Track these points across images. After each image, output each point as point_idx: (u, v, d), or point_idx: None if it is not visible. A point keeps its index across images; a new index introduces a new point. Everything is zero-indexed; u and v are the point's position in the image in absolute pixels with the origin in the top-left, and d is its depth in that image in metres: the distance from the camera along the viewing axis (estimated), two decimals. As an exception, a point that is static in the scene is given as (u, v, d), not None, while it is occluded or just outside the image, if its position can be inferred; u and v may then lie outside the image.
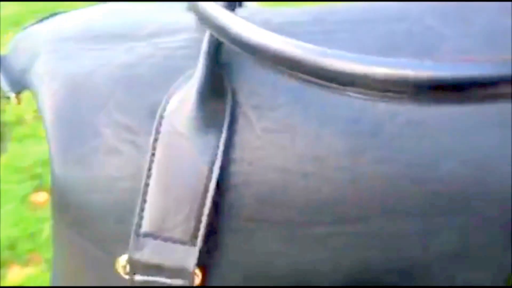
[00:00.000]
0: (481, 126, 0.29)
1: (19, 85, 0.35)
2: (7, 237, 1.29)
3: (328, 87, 0.24)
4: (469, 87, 0.21)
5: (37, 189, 1.44)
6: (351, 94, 0.23)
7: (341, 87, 0.24)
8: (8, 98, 0.35)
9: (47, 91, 0.32)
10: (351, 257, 0.31)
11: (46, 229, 1.35)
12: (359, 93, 0.23)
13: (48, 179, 1.37)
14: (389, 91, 0.22)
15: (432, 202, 0.29)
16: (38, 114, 0.32)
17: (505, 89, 0.21)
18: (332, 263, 0.31)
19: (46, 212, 1.40)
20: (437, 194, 0.29)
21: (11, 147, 1.57)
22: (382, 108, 0.29)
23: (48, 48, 0.33)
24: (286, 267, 0.31)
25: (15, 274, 1.26)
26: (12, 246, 1.29)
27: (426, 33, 0.30)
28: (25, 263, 1.27)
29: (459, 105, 0.22)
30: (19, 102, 0.35)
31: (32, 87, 0.34)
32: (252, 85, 0.31)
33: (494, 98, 0.22)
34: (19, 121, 1.60)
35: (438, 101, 0.22)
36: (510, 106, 0.29)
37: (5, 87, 0.35)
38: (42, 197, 1.43)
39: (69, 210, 0.32)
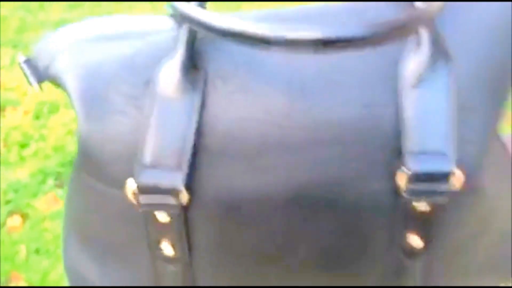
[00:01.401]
0: (376, 80, 0.43)
1: (42, 78, 0.48)
2: (-14, 261, 1.34)
3: (277, 48, 0.38)
4: (344, 42, 0.37)
5: (12, 213, 1.49)
6: (283, 50, 0.38)
7: (283, 47, 0.38)
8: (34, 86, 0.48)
9: (71, 77, 0.45)
10: (291, 179, 0.43)
11: (23, 251, 1.42)
12: (290, 49, 0.38)
13: (21, 203, 1.43)
14: (304, 46, 0.37)
15: (341, 134, 0.43)
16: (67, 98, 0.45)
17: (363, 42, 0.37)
18: (277, 185, 0.43)
19: (22, 235, 1.45)
20: (343, 129, 0.43)
21: (-16, 176, 1.58)
22: (307, 70, 0.43)
23: (67, 48, 0.46)
24: (244, 191, 0.43)
25: (-5, 294, 1.30)
26: (-9, 269, 1.34)
27: (332, 21, 0.45)
28: (5, 283, 1.33)
29: (343, 52, 0.37)
30: (41, 89, 0.48)
31: (56, 76, 0.46)
32: (217, 62, 0.44)
33: (361, 47, 0.37)
34: (-11, 151, 1.64)
35: (333, 50, 0.38)
36: (397, 66, 0.43)
37: (32, 81, 0.48)
38: (17, 221, 1.47)
39: (90, 160, 0.45)
